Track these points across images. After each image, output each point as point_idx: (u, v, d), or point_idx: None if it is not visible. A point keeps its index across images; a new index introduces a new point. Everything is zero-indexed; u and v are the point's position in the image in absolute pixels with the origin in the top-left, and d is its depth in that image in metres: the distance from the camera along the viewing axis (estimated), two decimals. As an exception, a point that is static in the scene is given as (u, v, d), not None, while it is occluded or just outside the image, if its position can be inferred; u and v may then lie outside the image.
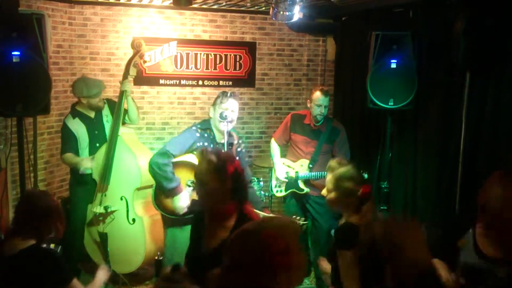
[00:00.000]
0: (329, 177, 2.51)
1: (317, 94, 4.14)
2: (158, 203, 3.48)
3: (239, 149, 3.58)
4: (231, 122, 3.37)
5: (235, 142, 3.54)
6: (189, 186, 3.37)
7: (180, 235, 3.38)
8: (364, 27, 4.65)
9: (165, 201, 3.44)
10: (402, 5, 4.22)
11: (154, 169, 3.32)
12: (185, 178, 3.37)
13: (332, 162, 2.55)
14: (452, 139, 3.73)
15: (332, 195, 2.48)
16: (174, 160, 3.35)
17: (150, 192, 4.15)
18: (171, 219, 3.45)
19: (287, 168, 4.28)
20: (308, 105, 4.27)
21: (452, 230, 2.38)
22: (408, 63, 3.89)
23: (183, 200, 3.35)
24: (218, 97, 3.48)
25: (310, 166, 4.19)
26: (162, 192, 3.42)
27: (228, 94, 3.43)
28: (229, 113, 3.34)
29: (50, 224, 2.41)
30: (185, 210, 3.33)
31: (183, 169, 3.38)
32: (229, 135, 3.42)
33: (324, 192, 2.57)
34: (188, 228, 3.33)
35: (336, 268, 2.36)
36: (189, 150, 3.40)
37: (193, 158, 3.36)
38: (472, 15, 3.31)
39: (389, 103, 3.93)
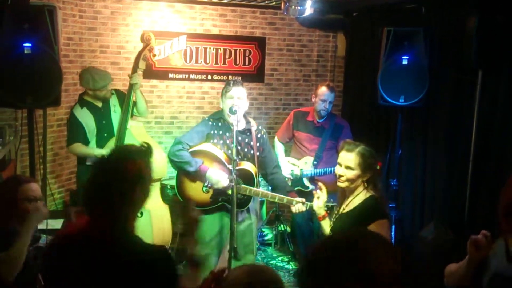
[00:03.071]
0: (349, 155, 2.56)
1: (323, 89, 4.12)
2: (182, 194, 3.49)
3: (259, 135, 3.54)
4: (240, 112, 3.33)
5: (254, 128, 3.51)
6: None
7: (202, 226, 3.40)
8: (375, 23, 4.62)
9: (189, 192, 3.45)
10: (414, 1, 4.17)
11: (172, 158, 3.37)
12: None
13: (346, 143, 2.63)
14: (463, 138, 3.69)
15: (355, 172, 2.56)
16: (191, 150, 3.39)
17: (157, 185, 4.17)
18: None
19: (291, 166, 4.26)
20: (313, 100, 4.24)
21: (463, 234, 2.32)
22: (419, 60, 3.85)
23: (216, 175, 3.31)
24: (224, 87, 3.47)
25: (315, 163, 4.17)
26: (188, 179, 3.43)
27: (231, 83, 3.41)
28: (236, 101, 3.30)
29: None
30: (227, 182, 3.29)
31: (200, 157, 3.39)
32: (247, 121, 3.47)
33: (340, 171, 2.59)
34: (209, 218, 3.39)
35: None
36: (206, 139, 3.44)
37: (210, 147, 3.41)
38: (485, 12, 3.27)
39: (400, 100, 3.89)
